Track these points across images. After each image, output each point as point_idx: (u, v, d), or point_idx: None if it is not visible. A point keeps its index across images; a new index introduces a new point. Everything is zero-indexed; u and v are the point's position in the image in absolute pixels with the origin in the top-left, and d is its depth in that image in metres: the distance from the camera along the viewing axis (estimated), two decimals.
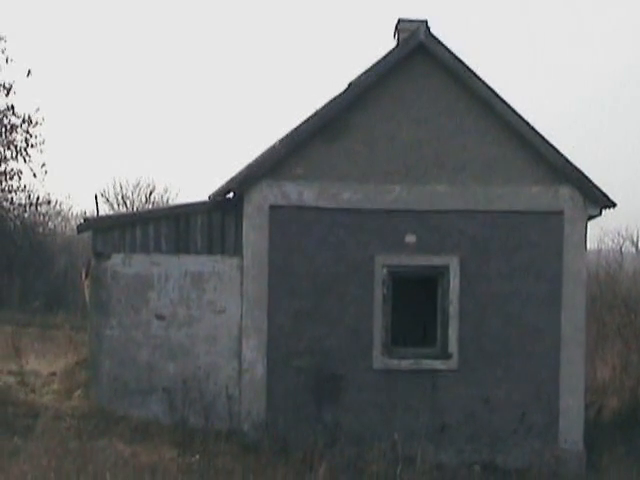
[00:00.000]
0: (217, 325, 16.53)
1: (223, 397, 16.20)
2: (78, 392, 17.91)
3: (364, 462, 15.00)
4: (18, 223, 38.05)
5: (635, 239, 42.12)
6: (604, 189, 16.65)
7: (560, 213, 16.72)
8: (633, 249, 41.36)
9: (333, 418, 16.32)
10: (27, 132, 35.65)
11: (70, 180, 68.73)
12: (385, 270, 16.59)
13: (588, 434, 16.77)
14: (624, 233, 42.75)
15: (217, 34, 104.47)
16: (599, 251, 36.16)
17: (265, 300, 16.44)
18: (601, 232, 41.79)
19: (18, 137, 35.71)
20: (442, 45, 16.52)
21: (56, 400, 17.71)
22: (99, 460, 13.17)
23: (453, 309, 16.60)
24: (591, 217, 16.88)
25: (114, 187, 48.00)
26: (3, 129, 35.44)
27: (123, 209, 46.64)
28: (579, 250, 16.76)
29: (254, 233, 16.49)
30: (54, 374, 20.28)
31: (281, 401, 16.36)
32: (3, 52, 35.23)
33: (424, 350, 16.95)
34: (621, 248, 41.34)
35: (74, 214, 44.99)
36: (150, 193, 47.90)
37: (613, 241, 42.23)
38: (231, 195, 16.59)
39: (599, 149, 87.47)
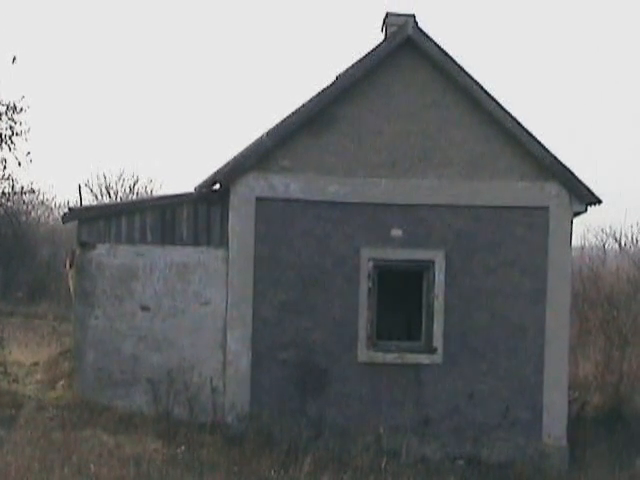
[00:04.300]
0: (202, 317, 16.51)
1: (207, 389, 16.21)
2: (61, 382, 17.92)
3: (348, 455, 15.06)
4: (2, 212, 37.84)
5: (618, 236, 42.26)
6: (589, 186, 16.71)
7: (545, 209, 16.75)
8: (616, 246, 41.48)
9: (317, 411, 16.33)
10: (12, 120, 35.26)
11: (53, 170, 68.47)
12: (371, 263, 16.59)
13: (571, 429, 16.83)
14: (607, 230, 42.89)
15: (203, 25, 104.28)
16: (582, 248, 36.26)
17: (250, 292, 16.43)
18: (585, 229, 41.93)
19: (2, 125, 35.34)
20: (430, 39, 16.52)
21: (39, 390, 17.71)
22: (83, 451, 13.18)
23: (438, 303, 16.62)
24: (577, 213, 16.93)
25: (98, 177, 47.87)
26: None
27: (107, 200, 46.49)
28: (564, 246, 16.80)
29: (240, 225, 16.47)
30: (37, 364, 20.27)
31: (265, 393, 16.35)
32: None
33: (409, 344, 16.99)
34: (604, 245, 41.46)
35: (57, 204, 44.88)
36: (134, 184, 47.79)
37: (596, 238, 42.36)
38: (217, 187, 16.57)
39: (583, 145, 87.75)
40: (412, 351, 16.71)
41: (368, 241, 16.64)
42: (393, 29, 16.78)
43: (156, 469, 12.88)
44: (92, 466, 12.32)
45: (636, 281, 26.98)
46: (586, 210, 16.93)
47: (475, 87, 16.53)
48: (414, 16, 16.54)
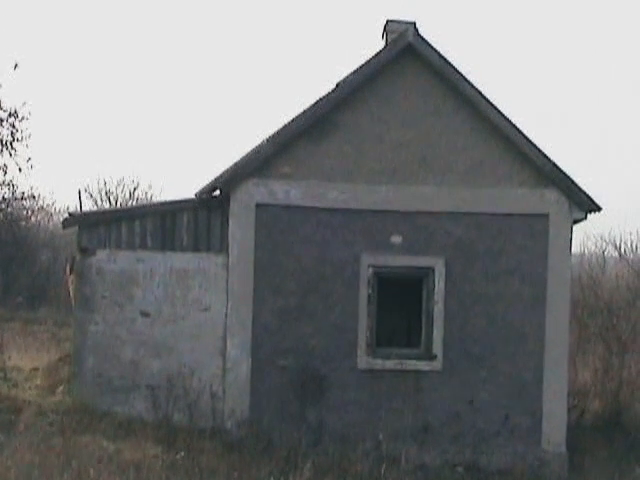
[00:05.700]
0: (202, 323, 16.51)
1: (207, 395, 16.21)
2: (61, 388, 17.89)
3: (348, 462, 15.03)
4: (2, 217, 37.86)
5: (618, 244, 42.16)
6: (589, 193, 16.73)
7: (545, 216, 16.77)
8: (616, 254, 41.39)
9: (317, 417, 16.34)
10: (13, 126, 35.26)
11: (53, 175, 68.43)
12: (371, 270, 16.60)
13: (571, 436, 16.83)
14: (607, 237, 42.74)
15: (204, 31, 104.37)
16: (582, 255, 36.20)
17: (250, 298, 16.43)
18: (584, 236, 41.80)
19: (4, 131, 35.34)
20: (430, 46, 16.54)
21: (39, 396, 17.68)
22: (83, 456, 13.15)
23: (438, 310, 16.62)
24: (576, 220, 16.93)
25: (98, 183, 47.89)
26: None
27: (107, 205, 46.51)
28: (564, 253, 16.81)
29: (240, 231, 16.48)
30: (37, 369, 20.26)
31: (265, 400, 16.36)
32: None
33: (408, 351, 16.98)
34: (604, 252, 41.35)
35: (57, 209, 44.86)
36: (134, 189, 47.78)
37: (596, 245, 42.24)
38: (217, 193, 16.58)
39: (583, 152, 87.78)
40: (412, 358, 16.70)
41: (368, 247, 16.65)
42: (394, 36, 16.83)
43: (156, 475, 12.86)
44: (92, 472, 12.30)
45: (635, 288, 26.93)
46: (586, 217, 16.94)
47: (475, 94, 16.55)
48: (414, 23, 16.58)
